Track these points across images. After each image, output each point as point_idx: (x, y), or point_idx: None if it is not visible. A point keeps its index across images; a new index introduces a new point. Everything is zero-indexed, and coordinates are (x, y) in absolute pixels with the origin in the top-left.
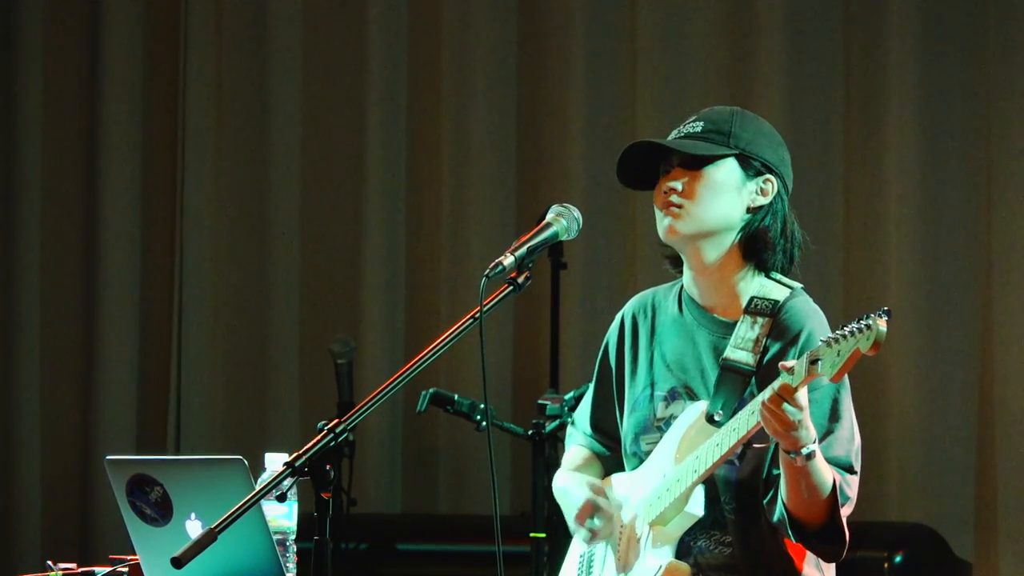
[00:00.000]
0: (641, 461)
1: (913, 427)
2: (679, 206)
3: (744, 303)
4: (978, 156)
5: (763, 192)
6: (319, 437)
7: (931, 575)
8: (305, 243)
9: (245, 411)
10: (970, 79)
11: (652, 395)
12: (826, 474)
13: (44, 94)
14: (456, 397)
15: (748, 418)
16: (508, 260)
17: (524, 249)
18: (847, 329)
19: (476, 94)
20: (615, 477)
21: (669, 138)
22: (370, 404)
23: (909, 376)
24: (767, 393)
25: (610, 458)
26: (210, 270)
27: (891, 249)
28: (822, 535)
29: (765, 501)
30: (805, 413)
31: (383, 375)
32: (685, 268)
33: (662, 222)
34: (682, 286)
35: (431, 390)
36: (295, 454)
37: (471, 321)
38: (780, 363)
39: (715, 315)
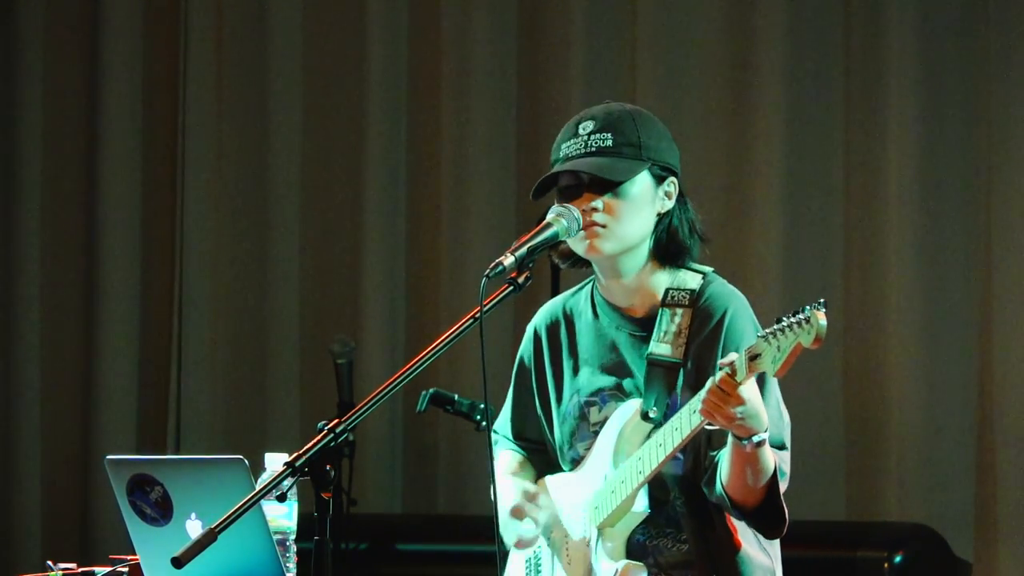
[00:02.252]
0: (577, 464)
1: (913, 427)
2: (603, 225)
3: (660, 296)
4: (978, 155)
5: (668, 196)
6: (319, 437)
7: (931, 575)
8: (305, 243)
9: (245, 411)
10: (970, 78)
11: (581, 402)
12: (770, 459)
13: (44, 94)
14: (456, 397)
15: (690, 416)
16: (508, 260)
17: (524, 249)
18: (784, 323)
19: (476, 94)
20: (550, 480)
21: (572, 147)
22: (370, 404)
23: (909, 376)
24: (707, 388)
25: (538, 459)
26: (210, 270)
27: (891, 249)
28: (760, 514)
29: (703, 482)
30: (753, 404)
31: (383, 375)
32: (598, 274)
33: (581, 241)
34: (592, 289)
35: (431, 390)
36: (295, 454)
37: (471, 321)
38: (720, 361)
39: (633, 314)
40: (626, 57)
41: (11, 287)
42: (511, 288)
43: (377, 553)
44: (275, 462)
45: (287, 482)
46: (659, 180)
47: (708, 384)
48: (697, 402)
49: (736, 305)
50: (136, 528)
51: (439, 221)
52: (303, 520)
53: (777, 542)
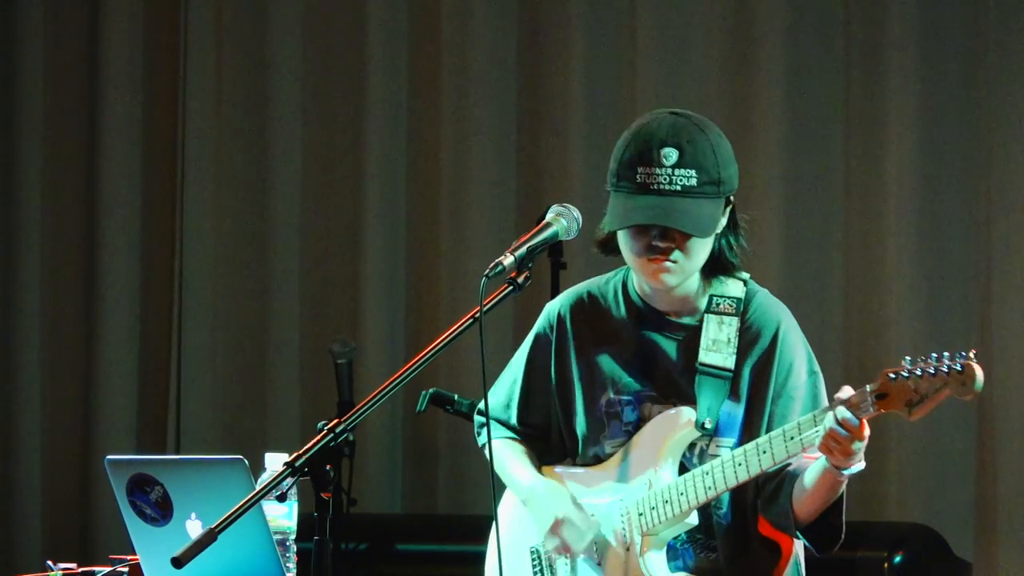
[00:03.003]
0: (599, 461)
1: (913, 427)
2: (674, 261)
3: (701, 303)
4: (978, 156)
5: (724, 214)
6: (319, 437)
7: (931, 575)
8: (305, 243)
9: (245, 411)
10: (969, 79)
11: (614, 400)
12: (844, 482)
13: (44, 94)
14: (456, 397)
15: (786, 444)
16: (508, 260)
17: (524, 249)
18: (924, 368)
19: (476, 94)
20: (567, 474)
21: (654, 178)
22: (370, 404)
23: None
24: (828, 425)
25: (536, 447)
26: (210, 270)
27: (891, 249)
28: (815, 530)
29: (762, 499)
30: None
31: (383, 375)
32: (639, 279)
33: (649, 274)
34: (624, 284)
35: (431, 390)
36: (295, 454)
37: (471, 321)
38: (838, 396)
39: (675, 319)
40: (626, 56)
41: (11, 286)
42: (511, 288)
43: (377, 553)
44: (275, 462)
45: (287, 482)
46: (726, 206)
47: (828, 421)
48: (793, 430)
49: (787, 321)
50: (136, 528)
51: (439, 221)
52: (303, 520)
53: (803, 557)
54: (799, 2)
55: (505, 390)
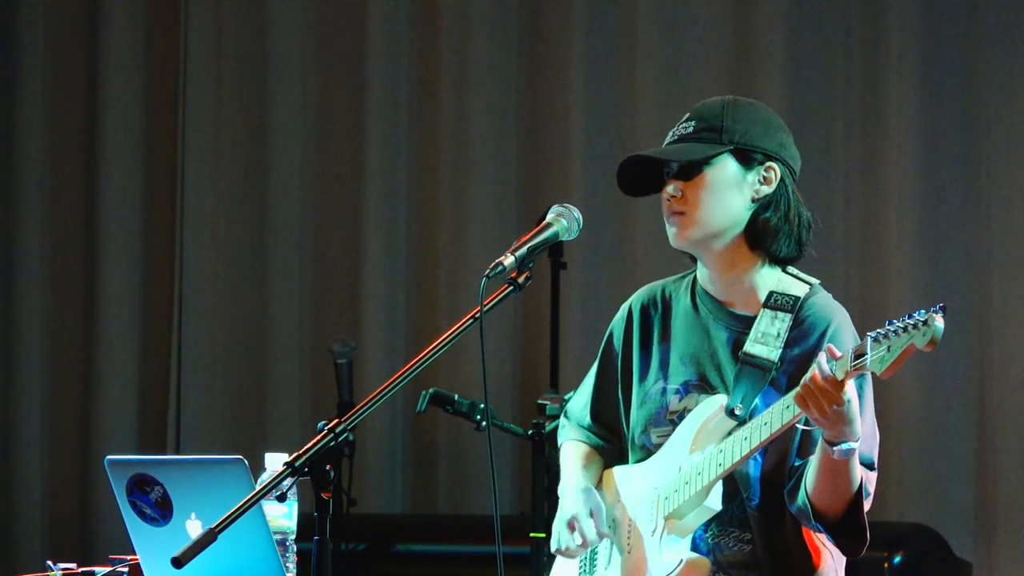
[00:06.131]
0: (649, 453)
1: (913, 427)
2: (681, 213)
3: (762, 297)
4: (977, 155)
5: (766, 181)
6: (319, 437)
7: (931, 575)
8: (305, 243)
9: (245, 411)
10: (969, 79)
11: (665, 388)
12: (857, 473)
13: (44, 94)
14: (456, 397)
15: (783, 412)
16: (508, 260)
17: (524, 249)
18: (898, 325)
19: (476, 94)
20: (618, 470)
21: (666, 142)
22: (370, 404)
23: (909, 376)
24: (807, 377)
25: (608, 450)
26: (210, 270)
27: (891, 249)
28: (840, 528)
29: (786, 490)
30: (851, 408)
31: (383, 375)
32: (700, 265)
33: (669, 230)
34: (694, 279)
35: (431, 390)
36: (295, 454)
37: (471, 321)
38: (824, 349)
39: (732, 309)
40: (626, 56)
41: (11, 287)
42: (511, 288)
43: (377, 553)
44: (275, 462)
45: (287, 482)
46: (748, 164)
47: (807, 374)
48: (790, 398)
49: (840, 320)
50: (136, 528)
51: (439, 221)
52: (303, 520)
53: (843, 562)
54: (800, 1)
55: (585, 389)
